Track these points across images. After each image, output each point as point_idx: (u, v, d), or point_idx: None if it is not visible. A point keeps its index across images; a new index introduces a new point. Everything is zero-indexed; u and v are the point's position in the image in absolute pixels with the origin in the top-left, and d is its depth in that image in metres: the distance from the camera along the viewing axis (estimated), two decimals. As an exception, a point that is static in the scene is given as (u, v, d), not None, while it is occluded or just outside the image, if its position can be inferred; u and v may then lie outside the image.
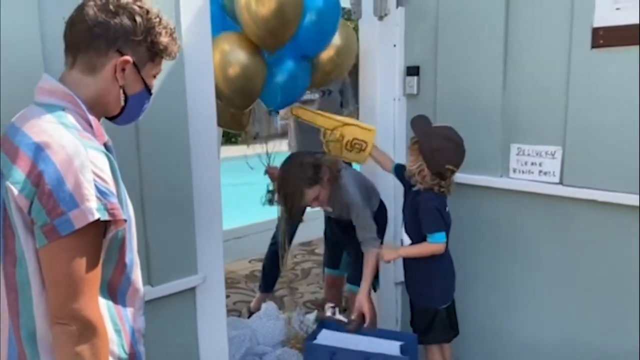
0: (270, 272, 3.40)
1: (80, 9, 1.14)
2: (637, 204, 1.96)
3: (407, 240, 2.25)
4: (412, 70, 2.63)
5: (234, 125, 2.64)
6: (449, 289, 2.27)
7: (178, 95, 1.83)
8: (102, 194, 1.03)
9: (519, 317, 2.41)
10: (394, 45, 2.64)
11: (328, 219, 2.76)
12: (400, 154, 2.74)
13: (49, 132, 1.03)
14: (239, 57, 2.16)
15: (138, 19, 1.14)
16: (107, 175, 1.06)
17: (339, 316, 2.43)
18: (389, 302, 2.82)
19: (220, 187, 2.07)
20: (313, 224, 3.56)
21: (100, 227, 1.05)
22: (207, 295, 2.02)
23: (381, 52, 2.65)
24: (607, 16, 1.98)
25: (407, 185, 2.27)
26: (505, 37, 2.27)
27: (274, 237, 3.38)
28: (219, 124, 2.21)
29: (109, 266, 1.15)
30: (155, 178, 1.81)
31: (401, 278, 2.84)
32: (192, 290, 1.99)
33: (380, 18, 2.60)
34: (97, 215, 1.01)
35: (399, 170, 2.34)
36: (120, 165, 1.14)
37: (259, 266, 4.23)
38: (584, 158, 2.10)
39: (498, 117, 2.34)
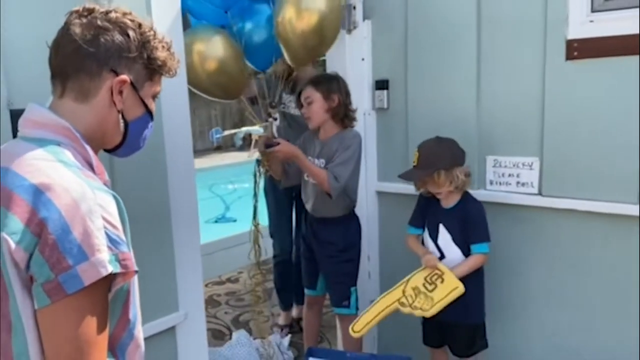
0: (287, 287, 3.35)
1: (65, 29, 0.99)
2: (619, 212, 2.00)
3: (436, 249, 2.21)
4: (382, 84, 2.58)
5: (224, 94, 2.45)
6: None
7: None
8: (113, 242, 0.88)
9: (501, 333, 2.39)
10: (362, 59, 2.59)
11: (304, 237, 2.65)
12: (371, 169, 2.69)
13: (47, 172, 0.87)
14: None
15: (131, 33, 1.01)
16: (117, 220, 0.92)
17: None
18: (366, 321, 2.74)
19: (198, 214, 1.93)
20: (269, 242, 3.41)
21: (108, 281, 0.90)
22: (188, 333, 1.87)
23: (350, 66, 2.59)
24: (580, 28, 2.01)
25: (428, 205, 2.26)
26: (477, 48, 2.26)
27: (276, 249, 3.28)
28: (201, 90, 2.19)
29: (110, 322, 0.99)
30: (132, 207, 1.64)
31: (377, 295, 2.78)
32: (172, 329, 1.83)
33: (349, 31, 2.54)
34: (110, 269, 0.87)
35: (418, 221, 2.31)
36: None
37: (217, 290, 4.05)
38: (563, 168, 2.12)
39: (473, 129, 2.32)
